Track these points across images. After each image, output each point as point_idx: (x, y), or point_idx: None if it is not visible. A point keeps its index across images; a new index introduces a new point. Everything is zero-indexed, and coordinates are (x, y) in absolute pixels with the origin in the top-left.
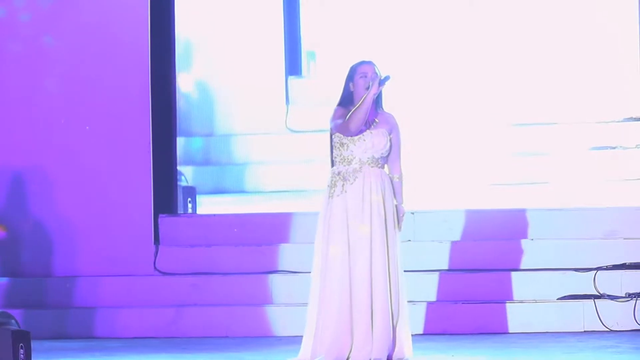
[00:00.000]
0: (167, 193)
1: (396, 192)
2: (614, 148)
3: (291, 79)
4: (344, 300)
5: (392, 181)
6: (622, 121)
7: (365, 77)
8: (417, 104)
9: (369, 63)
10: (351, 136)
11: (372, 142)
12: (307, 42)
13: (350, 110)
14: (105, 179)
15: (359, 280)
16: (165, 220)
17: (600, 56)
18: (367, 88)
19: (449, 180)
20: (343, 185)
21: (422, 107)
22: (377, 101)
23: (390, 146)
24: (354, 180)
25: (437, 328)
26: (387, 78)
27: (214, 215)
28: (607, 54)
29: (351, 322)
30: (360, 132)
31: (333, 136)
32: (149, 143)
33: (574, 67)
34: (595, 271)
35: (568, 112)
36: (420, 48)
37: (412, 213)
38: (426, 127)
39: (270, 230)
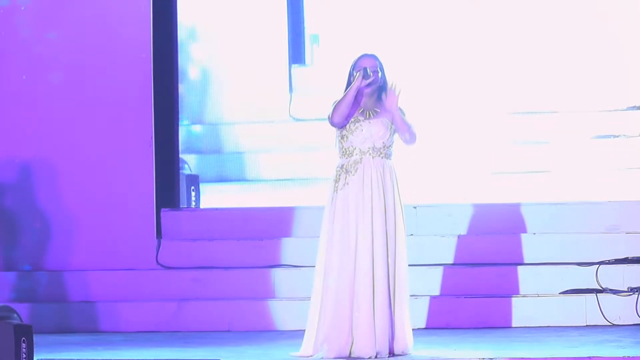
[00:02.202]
0: (169, 186)
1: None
2: (617, 137)
3: (295, 67)
4: (344, 295)
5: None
6: (626, 109)
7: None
8: (423, 94)
9: (370, 56)
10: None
11: (369, 132)
12: (310, 29)
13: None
14: (108, 172)
15: (360, 274)
16: (167, 214)
17: (604, 43)
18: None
19: (451, 171)
20: (346, 177)
21: (434, 97)
22: (380, 90)
23: (394, 131)
24: (355, 171)
25: (440, 322)
26: (365, 71)
27: (216, 209)
28: (611, 41)
29: (351, 317)
30: (357, 121)
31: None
32: (152, 136)
33: (577, 55)
34: (598, 265)
35: (571, 100)
36: (422, 36)
37: (415, 207)
38: (435, 118)
39: (272, 224)
